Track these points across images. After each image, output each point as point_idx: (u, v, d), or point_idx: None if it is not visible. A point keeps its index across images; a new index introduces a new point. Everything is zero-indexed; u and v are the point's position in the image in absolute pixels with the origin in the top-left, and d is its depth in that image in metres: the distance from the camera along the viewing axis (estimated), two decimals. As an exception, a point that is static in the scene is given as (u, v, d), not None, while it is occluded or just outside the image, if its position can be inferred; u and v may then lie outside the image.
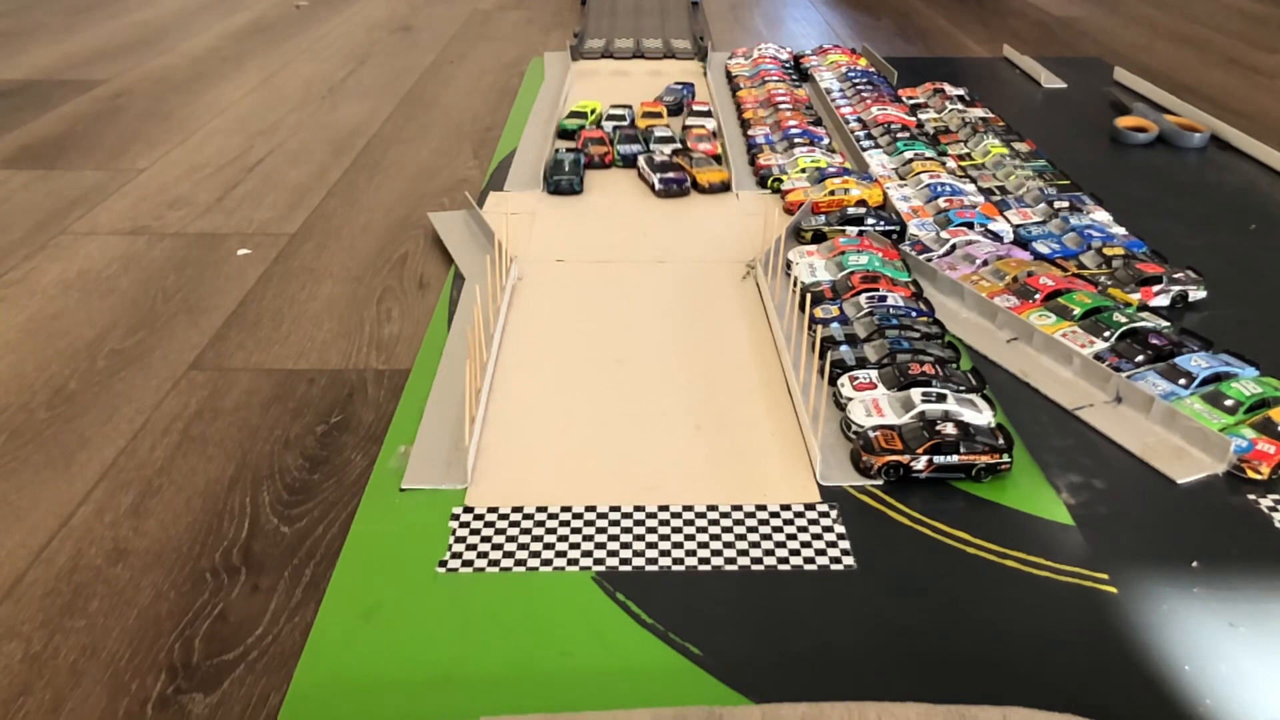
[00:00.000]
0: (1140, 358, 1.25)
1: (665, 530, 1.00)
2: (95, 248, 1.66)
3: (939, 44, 3.06)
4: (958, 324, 1.38)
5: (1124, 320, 1.31)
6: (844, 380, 1.20)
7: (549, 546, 0.98)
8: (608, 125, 2.10)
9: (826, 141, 2.02)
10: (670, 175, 1.82)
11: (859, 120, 2.16)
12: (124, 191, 1.89)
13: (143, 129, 2.25)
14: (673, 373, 1.27)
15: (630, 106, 2.23)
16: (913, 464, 1.06)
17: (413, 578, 0.94)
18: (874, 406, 1.14)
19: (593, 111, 2.18)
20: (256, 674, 0.85)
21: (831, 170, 1.81)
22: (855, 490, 1.06)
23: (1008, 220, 1.67)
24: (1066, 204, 1.71)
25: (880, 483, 1.07)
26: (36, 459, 1.13)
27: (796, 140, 2.00)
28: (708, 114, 2.22)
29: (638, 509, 1.03)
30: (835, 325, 1.33)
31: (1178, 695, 0.83)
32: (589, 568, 0.95)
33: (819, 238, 1.63)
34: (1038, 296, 1.39)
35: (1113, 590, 0.93)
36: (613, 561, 0.96)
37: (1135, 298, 1.43)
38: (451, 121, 2.31)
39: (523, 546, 0.98)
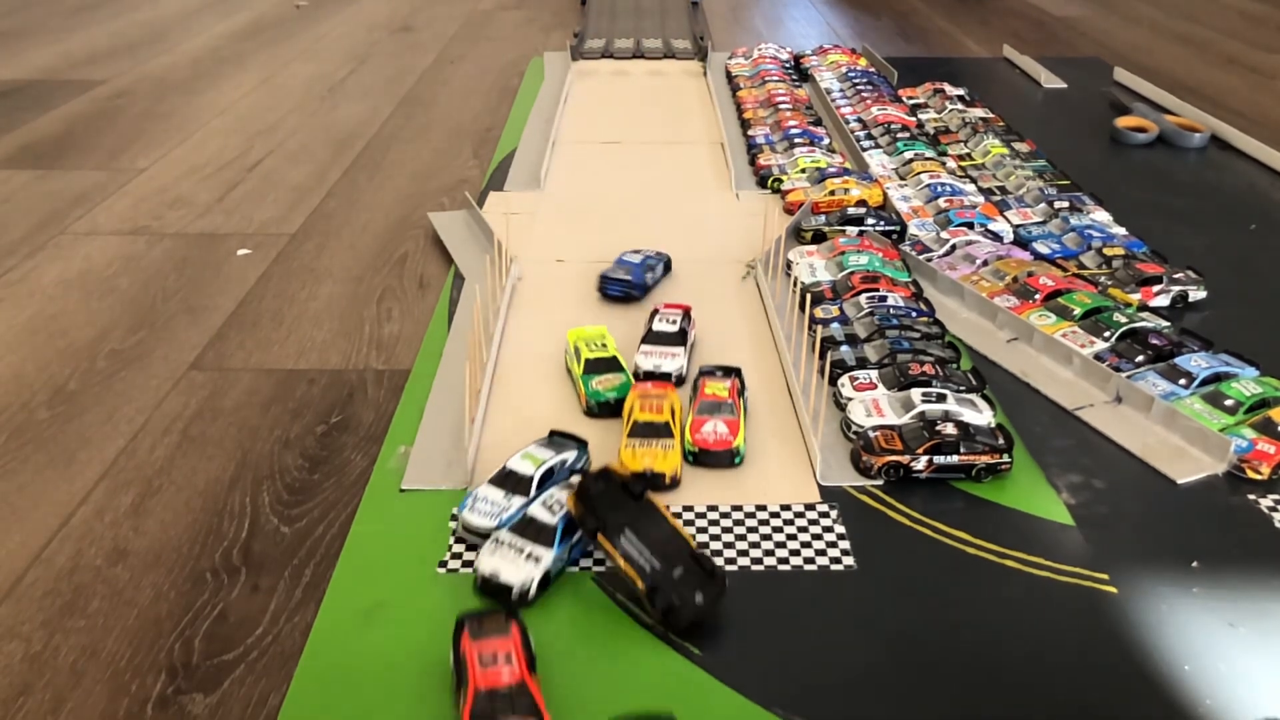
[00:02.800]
0: (1140, 358, 1.25)
1: (665, 530, 1.00)
2: (95, 248, 1.66)
3: (939, 44, 3.06)
4: (958, 324, 1.38)
5: (1124, 320, 1.31)
6: (844, 380, 1.20)
7: (549, 546, 0.98)
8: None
9: (826, 141, 2.02)
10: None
11: (859, 120, 2.16)
12: (124, 191, 1.89)
13: (143, 129, 2.25)
14: (673, 373, 1.27)
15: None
16: (913, 464, 1.06)
17: (413, 578, 0.94)
18: (874, 406, 1.14)
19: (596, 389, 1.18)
20: (256, 674, 0.85)
21: (831, 170, 1.81)
22: (855, 490, 1.06)
23: (1008, 220, 1.67)
24: (1066, 204, 1.70)
25: (880, 483, 1.07)
26: (36, 459, 1.13)
27: (796, 140, 2.00)
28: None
29: (638, 509, 1.03)
30: (835, 325, 1.33)
31: (1178, 695, 0.83)
32: (589, 568, 0.95)
33: (819, 238, 1.63)
34: (1038, 296, 1.39)
35: (1113, 590, 0.93)
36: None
37: (1135, 298, 1.42)
38: (451, 121, 2.31)
39: (523, 546, 0.98)
